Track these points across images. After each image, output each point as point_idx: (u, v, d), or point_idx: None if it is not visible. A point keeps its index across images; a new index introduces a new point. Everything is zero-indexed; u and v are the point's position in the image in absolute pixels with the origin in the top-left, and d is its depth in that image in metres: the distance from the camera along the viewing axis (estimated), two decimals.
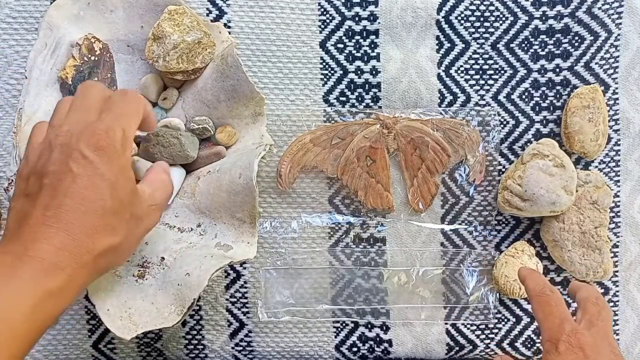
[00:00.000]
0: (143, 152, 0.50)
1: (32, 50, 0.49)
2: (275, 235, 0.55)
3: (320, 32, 0.54)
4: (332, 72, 0.54)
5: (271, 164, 0.54)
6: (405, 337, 0.56)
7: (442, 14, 0.54)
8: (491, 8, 0.54)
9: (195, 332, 0.56)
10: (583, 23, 0.54)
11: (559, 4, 0.54)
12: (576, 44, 0.54)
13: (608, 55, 0.54)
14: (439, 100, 0.55)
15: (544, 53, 0.54)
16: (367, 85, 0.55)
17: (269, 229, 0.55)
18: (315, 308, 0.56)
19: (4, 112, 0.54)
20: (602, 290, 0.56)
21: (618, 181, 0.56)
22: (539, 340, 0.57)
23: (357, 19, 0.54)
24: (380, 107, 0.55)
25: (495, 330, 0.57)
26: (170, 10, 0.49)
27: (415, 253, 0.56)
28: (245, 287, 0.56)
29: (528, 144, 0.55)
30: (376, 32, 0.54)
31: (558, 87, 0.55)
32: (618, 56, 0.55)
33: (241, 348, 0.56)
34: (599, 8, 0.54)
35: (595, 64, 0.54)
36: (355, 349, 0.57)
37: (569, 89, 0.55)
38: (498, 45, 0.54)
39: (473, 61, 0.55)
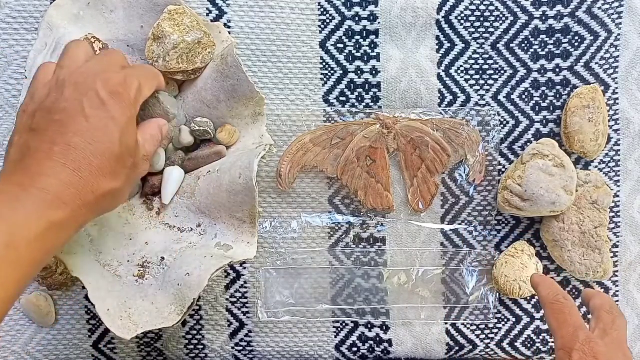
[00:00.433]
0: None
1: (32, 50, 0.49)
2: (275, 235, 0.55)
3: (320, 32, 0.54)
4: (332, 72, 0.54)
5: (271, 164, 0.54)
6: (405, 337, 0.56)
7: (442, 14, 0.54)
8: (491, 8, 0.54)
9: (195, 332, 0.56)
10: (583, 23, 0.54)
11: (559, 4, 0.54)
12: (576, 44, 0.54)
13: (608, 55, 0.54)
14: (439, 100, 0.55)
15: (544, 53, 0.54)
16: (367, 85, 0.55)
17: (269, 229, 0.55)
18: (315, 308, 0.56)
19: (4, 112, 0.53)
20: (602, 290, 0.56)
21: (618, 181, 0.56)
22: (539, 340, 0.57)
23: (357, 19, 0.54)
24: (380, 107, 0.55)
25: (495, 330, 0.57)
26: (170, 10, 0.49)
27: (415, 253, 0.56)
28: (245, 287, 0.56)
29: (528, 144, 0.55)
30: (376, 32, 0.54)
31: (558, 87, 0.55)
32: (618, 56, 0.55)
33: (241, 348, 0.56)
34: (599, 8, 0.54)
35: (595, 64, 0.54)
36: (355, 349, 0.57)
37: (569, 89, 0.55)
38: (498, 45, 0.54)
39: (473, 61, 0.55)
